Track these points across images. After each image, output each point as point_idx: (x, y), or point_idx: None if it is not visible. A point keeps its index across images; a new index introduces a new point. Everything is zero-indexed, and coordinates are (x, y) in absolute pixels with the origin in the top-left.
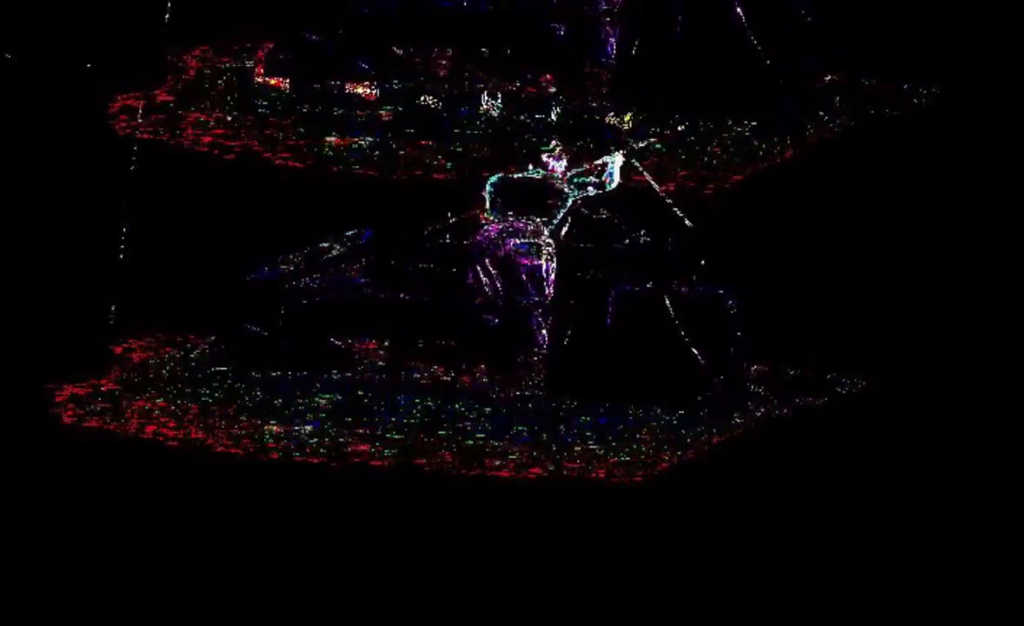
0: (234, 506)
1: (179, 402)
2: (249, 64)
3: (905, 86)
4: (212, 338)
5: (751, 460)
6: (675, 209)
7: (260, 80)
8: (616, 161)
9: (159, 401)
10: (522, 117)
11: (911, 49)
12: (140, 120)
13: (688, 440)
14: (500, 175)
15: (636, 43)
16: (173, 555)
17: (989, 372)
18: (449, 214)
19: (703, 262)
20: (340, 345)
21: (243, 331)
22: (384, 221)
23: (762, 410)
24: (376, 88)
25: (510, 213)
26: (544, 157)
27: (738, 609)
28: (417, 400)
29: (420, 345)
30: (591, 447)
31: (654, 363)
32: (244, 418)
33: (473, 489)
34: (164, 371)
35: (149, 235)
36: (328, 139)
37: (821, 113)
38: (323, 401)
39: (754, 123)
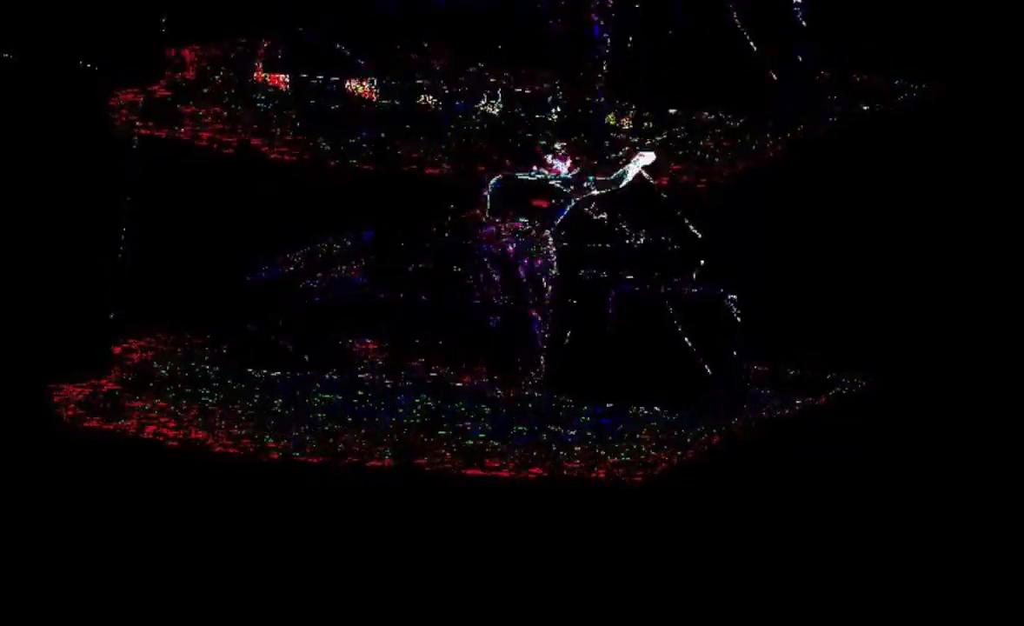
0: (234, 506)
1: (179, 402)
2: (248, 60)
3: (906, 83)
4: (212, 338)
5: (751, 460)
6: (676, 209)
7: (259, 76)
8: (633, 168)
9: (159, 401)
10: (522, 115)
11: (912, 45)
12: (139, 116)
13: (688, 440)
14: (501, 175)
15: (630, 38)
16: (173, 555)
17: (989, 372)
18: (449, 214)
19: (703, 262)
20: (340, 345)
21: (243, 331)
22: (384, 221)
23: (762, 410)
24: (375, 84)
25: (510, 213)
26: (549, 158)
27: (738, 609)
28: (417, 400)
29: (420, 345)
30: (591, 447)
31: (654, 363)
32: (244, 418)
33: (473, 489)
34: (164, 371)
35: (149, 234)
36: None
37: (819, 110)
38: (323, 401)
39: (747, 118)
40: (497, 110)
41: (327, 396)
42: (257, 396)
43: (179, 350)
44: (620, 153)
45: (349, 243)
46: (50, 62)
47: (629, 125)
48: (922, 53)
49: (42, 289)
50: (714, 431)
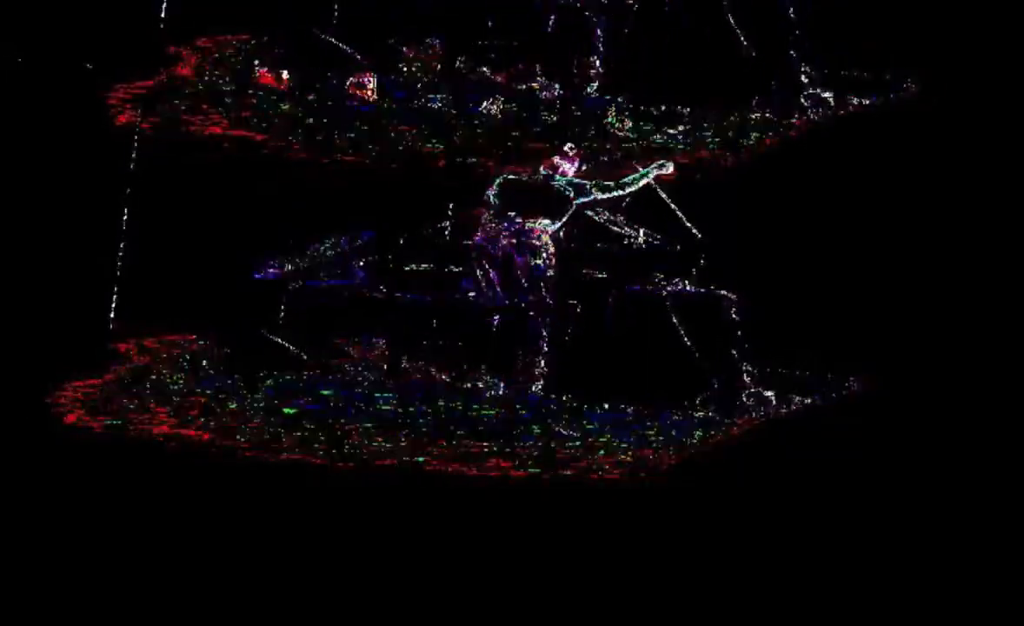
0: (234, 506)
1: (179, 402)
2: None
3: (905, 81)
4: (212, 338)
5: (751, 460)
6: (676, 210)
7: (259, 73)
8: (648, 176)
9: (159, 401)
10: (521, 113)
11: (912, 44)
12: (139, 115)
13: (688, 440)
14: (503, 175)
15: (625, 33)
16: (173, 555)
17: (990, 371)
18: (449, 214)
19: (703, 262)
20: (340, 345)
21: (243, 331)
22: (384, 221)
23: (762, 410)
24: (373, 82)
25: (510, 213)
26: (556, 159)
27: (738, 609)
28: (419, 400)
29: (420, 345)
30: (591, 447)
31: (654, 363)
32: (245, 418)
33: (473, 489)
34: (164, 371)
35: (149, 234)
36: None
37: (817, 107)
38: (323, 400)
39: (741, 113)
40: (497, 110)
41: (327, 395)
42: (258, 396)
43: (179, 350)
44: (618, 154)
45: (349, 243)
46: (50, 61)
47: (629, 124)
48: (922, 52)
49: (42, 289)
50: (714, 431)
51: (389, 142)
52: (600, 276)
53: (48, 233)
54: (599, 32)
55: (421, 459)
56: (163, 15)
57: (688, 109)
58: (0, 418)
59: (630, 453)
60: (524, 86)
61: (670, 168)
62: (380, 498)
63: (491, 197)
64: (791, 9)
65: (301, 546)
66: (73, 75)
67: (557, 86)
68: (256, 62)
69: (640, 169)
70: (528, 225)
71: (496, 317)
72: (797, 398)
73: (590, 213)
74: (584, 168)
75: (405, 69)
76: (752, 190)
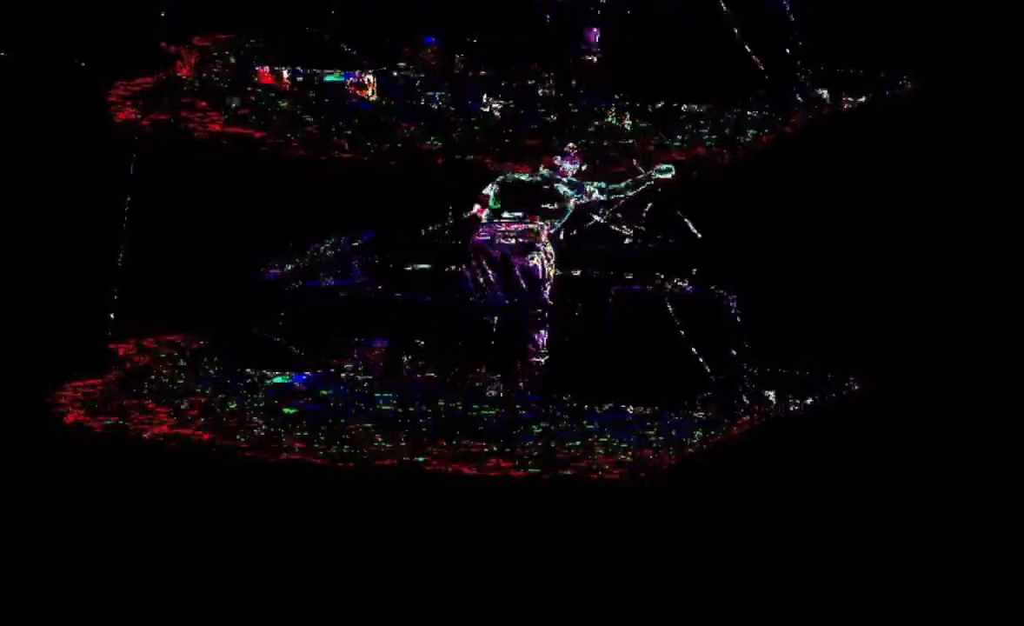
0: (234, 506)
1: (179, 402)
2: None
3: (905, 79)
4: (212, 338)
5: (751, 460)
6: (676, 208)
7: (259, 71)
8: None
9: (159, 401)
10: (520, 112)
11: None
12: (139, 114)
13: (688, 440)
14: (502, 175)
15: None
16: (174, 555)
17: (990, 371)
18: (449, 214)
19: (703, 262)
20: (340, 345)
21: (243, 331)
22: (384, 221)
23: (762, 410)
24: (373, 79)
25: (510, 213)
26: (557, 159)
27: (739, 609)
28: (419, 400)
29: (420, 345)
30: (591, 447)
31: (654, 363)
32: (245, 418)
33: (473, 489)
34: (164, 371)
35: (149, 234)
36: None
37: (813, 105)
38: (323, 401)
39: (745, 115)
40: (498, 110)
41: (327, 395)
42: (258, 396)
43: (179, 351)
44: (617, 152)
45: (349, 243)
46: (50, 60)
47: (629, 124)
48: (918, 50)
49: (42, 289)
50: (714, 431)
51: (388, 139)
52: (600, 276)
53: (48, 233)
54: (597, 31)
55: (421, 459)
56: (163, 14)
57: (685, 107)
58: (0, 418)
59: (630, 453)
60: (523, 84)
61: (671, 173)
62: (380, 498)
63: (491, 197)
64: (788, 8)
65: (301, 546)
66: (73, 73)
67: (551, 84)
68: (256, 58)
69: (641, 173)
70: (527, 225)
71: (496, 317)
72: (797, 398)
73: (588, 213)
74: (584, 168)
75: (404, 67)
76: (752, 189)
